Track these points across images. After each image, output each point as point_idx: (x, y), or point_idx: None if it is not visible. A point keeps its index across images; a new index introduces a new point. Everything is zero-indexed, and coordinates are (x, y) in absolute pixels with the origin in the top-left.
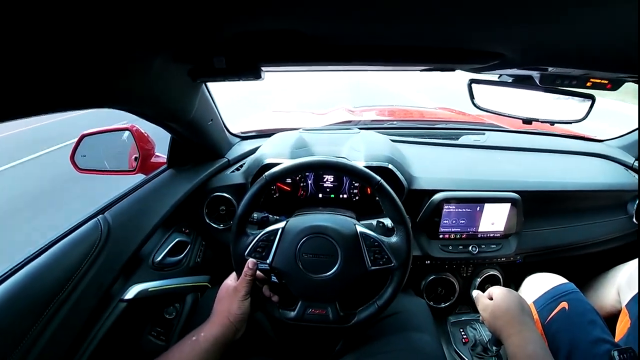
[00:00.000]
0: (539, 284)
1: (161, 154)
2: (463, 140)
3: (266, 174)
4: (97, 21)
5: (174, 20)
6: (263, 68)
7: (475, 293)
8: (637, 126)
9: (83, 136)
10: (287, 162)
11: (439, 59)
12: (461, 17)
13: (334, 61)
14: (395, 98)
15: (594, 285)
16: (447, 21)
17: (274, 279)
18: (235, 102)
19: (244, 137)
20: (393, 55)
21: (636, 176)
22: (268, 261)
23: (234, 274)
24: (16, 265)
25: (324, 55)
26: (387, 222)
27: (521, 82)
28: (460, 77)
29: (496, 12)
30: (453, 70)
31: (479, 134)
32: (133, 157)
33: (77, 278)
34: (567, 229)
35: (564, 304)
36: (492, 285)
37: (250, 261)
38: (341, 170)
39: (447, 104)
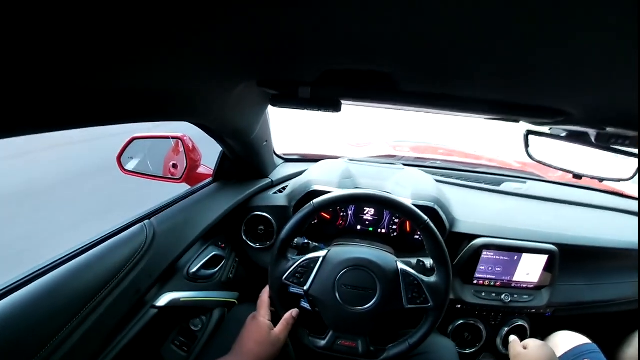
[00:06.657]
0: (562, 342)
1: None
2: (504, 187)
3: (315, 201)
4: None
5: (268, 56)
6: (343, 101)
7: (512, 338)
8: None
9: (133, 139)
10: (336, 192)
11: (508, 111)
12: (537, 79)
13: (410, 104)
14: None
15: (618, 345)
16: (522, 83)
17: (304, 304)
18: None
19: (287, 160)
20: (465, 105)
21: None
22: (305, 288)
23: (265, 309)
24: (60, 259)
25: (402, 98)
26: (428, 261)
27: (575, 137)
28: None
29: (572, 78)
30: (517, 122)
31: (521, 182)
32: (171, 163)
33: (117, 280)
34: (600, 285)
35: None
36: (517, 336)
37: (294, 311)
38: (390, 206)
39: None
